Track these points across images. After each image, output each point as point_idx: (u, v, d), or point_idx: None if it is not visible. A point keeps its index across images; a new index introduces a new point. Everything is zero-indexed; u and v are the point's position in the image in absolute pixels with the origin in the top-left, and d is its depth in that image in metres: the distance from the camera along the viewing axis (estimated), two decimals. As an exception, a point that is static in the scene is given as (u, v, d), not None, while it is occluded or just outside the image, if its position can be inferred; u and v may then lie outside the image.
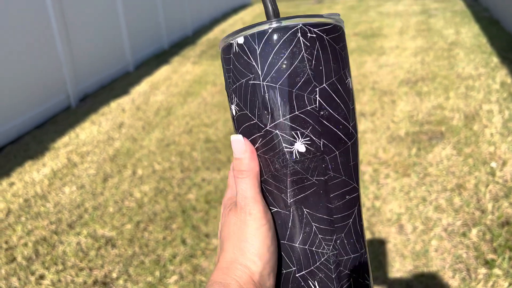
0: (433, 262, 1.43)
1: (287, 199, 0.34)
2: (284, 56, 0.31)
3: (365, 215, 1.68)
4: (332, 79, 0.32)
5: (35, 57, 2.87)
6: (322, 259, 0.35)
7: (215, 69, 3.93)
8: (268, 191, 0.35)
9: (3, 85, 2.59)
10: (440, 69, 3.26)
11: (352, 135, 0.34)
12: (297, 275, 0.35)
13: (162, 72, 4.00)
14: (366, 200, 1.76)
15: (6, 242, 1.68)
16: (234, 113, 0.35)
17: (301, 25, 0.31)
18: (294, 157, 0.33)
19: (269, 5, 0.34)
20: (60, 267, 1.54)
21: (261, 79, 0.32)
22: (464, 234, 1.53)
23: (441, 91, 2.83)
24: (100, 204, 1.90)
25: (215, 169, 2.12)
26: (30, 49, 2.81)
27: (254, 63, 0.32)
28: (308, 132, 0.32)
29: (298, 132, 0.32)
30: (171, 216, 1.78)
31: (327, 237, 0.35)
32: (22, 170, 2.25)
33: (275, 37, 0.31)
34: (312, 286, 0.35)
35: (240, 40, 0.33)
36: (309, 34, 0.31)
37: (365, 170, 1.98)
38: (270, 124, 0.33)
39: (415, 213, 1.66)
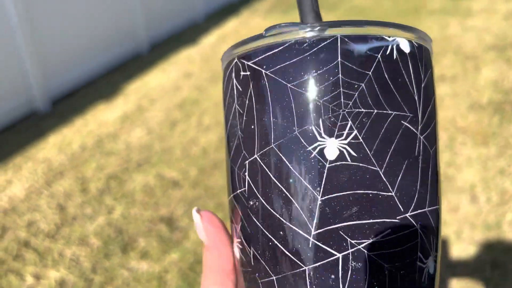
0: (505, 235, 1.34)
1: None
2: (225, 108, 0.22)
3: (435, 181, 1.60)
4: (271, 146, 0.20)
5: (109, 4, 2.95)
6: None
7: (285, 25, 3.85)
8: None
9: (81, 32, 2.70)
10: (533, 36, 2.97)
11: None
12: None
13: (231, 24, 3.98)
14: (437, 167, 1.68)
15: (82, 175, 1.80)
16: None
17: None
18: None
19: None
20: (130, 201, 1.62)
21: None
22: (545, 211, 1.42)
23: (532, 59, 2.58)
24: (167, 148, 1.97)
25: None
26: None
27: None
28: (239, 230, 0.22)
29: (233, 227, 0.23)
30: (235, 165, 1.80)
31: None
32: (96, 111, 2.37)
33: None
34: None
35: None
36: (241, 73, 0.20)
37: (440, 136, 1.87)
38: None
39: (491, 184, 1.56)
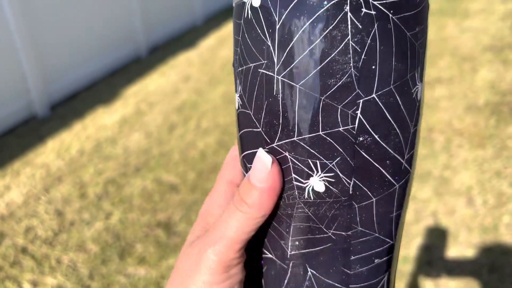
0: (502, 238, 1.34)
1: (287, 249, 0.24)
2: (316, 39, 0.20)
3: (432, 184, 1.60)
4: (390, 87, 0.21)
5: (108, 7, 2.95)
6: None
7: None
8: (264, 229, 0.25)
9: (80, 35, 2.71)
10: (531, 36, 2.96)
11: (404, 172, 0.23)
12: None
13: (230, 27, 3.98)
14: (434, 169, 1.68)
15: (80, 180, 1.80)
16: (236, 107, 0.24)
17: None
18: (307, 196, 0.22)
19: None
20: (127, 206, 1.63)
21: (275, 69, 0.21)
22: (541, 213, 1.42)
23: (530, 60, 2.58)
24: (166, 152, 1.97)
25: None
26: (103, 0, 2.89)
27: (270, 43, 0.21)
28: (333, 165, 0.22)
29: (318, 162, 0.22)
30: (232, 169, 1.81)
31: None
32: (95, 115, 2.38)
33: (307, 7, 0.20)
34: None
35: (256, 1, 0.21)
36: (364, 10, 0.20)
37: (437, 138, 1.88)
38: (278, 141, 0.22)
39: (487, 187, 1.56)
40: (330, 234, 0.23)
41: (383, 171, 0.22)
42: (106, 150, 2.02)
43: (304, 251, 0.24)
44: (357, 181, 0.22)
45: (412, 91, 0.22)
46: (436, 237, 1.37)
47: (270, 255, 0.25)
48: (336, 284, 0.24)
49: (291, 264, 0.24)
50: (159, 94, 2.60)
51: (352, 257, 0.23)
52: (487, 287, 1.23)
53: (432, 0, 4.01)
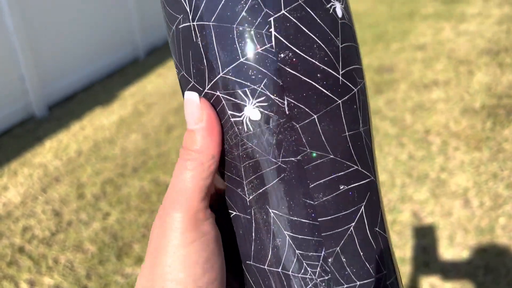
0: (498, 240, 1.35)
1: (245, 196, 0.23)
2: None
3: (429, 186, 1.61)
4: (298, 2, 0.21)
5: (106, 9, 2.96)
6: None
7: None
8: (224, 185, 0.24)
9: (78, 37, 2.71)
10: (527, 40, 2.99)
11: (345, 88, 0.22)
12: None
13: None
14: (431, 172, 1.69)
15: (78, 180, 1.80)
16: (178, 77, 0.25)
17: None
18: (246, 129, 0.22)
19: None
20: (125, 206, 1.63)
21: (189, 18, 0.22)
22: (537, 215, 1.43)
23: (526, 64, 2.60)
24: (163, 153, 1.98)
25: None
26: (101, 2, 2.90)
27: None
28: (262, 88, 0.21)
29: (247, 90, 0.21)
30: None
31: (309, 254, 0.22)
32: (93, 116, 2.38)
33: None
34: None
35: None
36: None
37: (433, 141, 1.89)
38: (208, 83, 0.22)
39: (484, 189, 1.57)
40: (279, 163, 0.22)
41: (316, 85, 0.21)
42: (104, 150, 2.02)
43: (260, 190, 0.22)
44: (291, 100, 0.21)
45: (327, 6, 0.21)
46: (433, 239, 1.38)
47: (234, 213, 0.24)
48: (303, 220, 0.22)
49: (253, 212, 0.23)
50: (157, 95, 2.61)
51: (311, 185, 0.22)
52: (483, 288, 1.23)
53: (429, 4, 4.04)
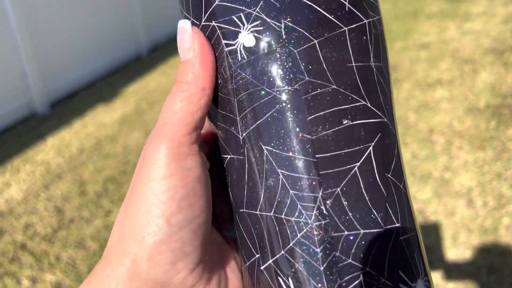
0: (502, 240, 1.34)
1: (239, 133, 0.21)
2: None
3: (432, 185, 1.60)
4: None
5: (109, 6, 2.96)
6: (299, 235, 0.19)
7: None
8: (218, 127, 0.22)
9: (80, 34, 2.71)
10: (532, 40, 2.97)
11: (352, 16, 0.20)
12: (261, 267, 0.21)
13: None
14: (434, 171, 1.68)
15: (80, 177, 1.80)
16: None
17: None
18: (240, 58, 0.20)
19: None
20: (126, 204, 1.63)
21: None
22: (541, 215, 1.42)
23: (531, 63, 2.59)
24: (165, 150, 1.97)
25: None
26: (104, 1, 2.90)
27: None
28: (257, 11, 0.19)
29: (242, 15, 0.20)
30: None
31: (304, 194, 0.19)
32: (95, 113, 2.38)
33: None
34: (285, 287, 0.20)
35: None
36: None
37: (437, 140, 1.88)
38: (205, 15, 0.21)
39: (487, 189, 1.56)
40: (274, 93, 0.20)
41: (318, 8, 0.19)
42: (106, 148, 2.02)
43: (254, 126, 0.20)
44: (288, 22, 0.19)
45: None
46: (436, 238, 1.37)
47: (229, 156, 0.22)
48: (299, 156, 0.19)
49: (246, 151, 0.21)
50: (159, 93, 2.60)
51: (309, 117, 0.19)
52: (487, 288, 1.23)
53: (433, 3, 4.03)
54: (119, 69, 3.03)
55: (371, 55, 0.20)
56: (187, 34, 0.21)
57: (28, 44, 2.31)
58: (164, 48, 3.47)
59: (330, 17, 0.19)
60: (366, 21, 0.20)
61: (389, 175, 0.20)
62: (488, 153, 1.76)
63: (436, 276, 1.26)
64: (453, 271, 1.28)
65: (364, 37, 0.20)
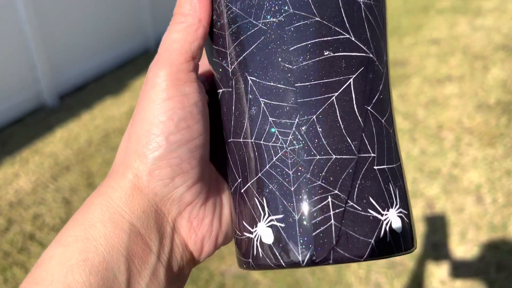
0: (511, 237, 1.33)
1: (228, 66, 0.22)
2: None
3: (440, 182, 1.59)
4: None
5: (119, 1, 2.96)
6: (274, 159, 0.21)
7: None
8: (213, 63, 0.24)
9: (89, 27, 2.72)
10: (544, 36, 2.93)
11: None
12: (242, 190, 0.22)
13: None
14: (442, 167, 1.66)
15: (88, 169, 1.81)
16: None
17: None
18: None
19: None
20: (134, 196, 1.63)
21: None
22: (551, 213, 1.40)
23: (543, 60, 2.55)
24: (173, 144, 1.98)
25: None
26: (117, -10, 2.90)
27: None
28: None
29: None
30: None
31: (282, 121, 0.21)
32: (104, 106, 2.38)
33: None
34: (260, 207, 0.21)
35: None
36: None
37: (446, 136, 1.86)
38: None
39: (497, 186, 1.54)
40: (260, 25, 0.21)
41: None
42: (114, 140, 2.02)
43: (241, 57, 0.21)
44: None
45: None
46: (444, 235, 1.36)
47: (221, 90, 0.23)
48: (279, 85, 0.21)
49: (234, 83, 0.22)
50: (167, 87, 2.61)
51: (291, 48, 0.20)
52: (495, 286, 1.21)
53: (444, -2, 3.98)
54: (127, 63, 3.04)
55: None
56: None
57: (38, 37, 2.32)
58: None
59: None
60: None
61: (368, 108, 0.21)
62: (498, 150, 1.74)
63: (443, 273, 1.25)
64: (461, 267, 1.27)
65: None
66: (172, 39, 0.23)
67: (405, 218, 0.21)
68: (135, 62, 3.04)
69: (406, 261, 1.28)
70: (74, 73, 2.62)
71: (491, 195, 1.50)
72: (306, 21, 0.20)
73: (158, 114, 0.22)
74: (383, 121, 0.22)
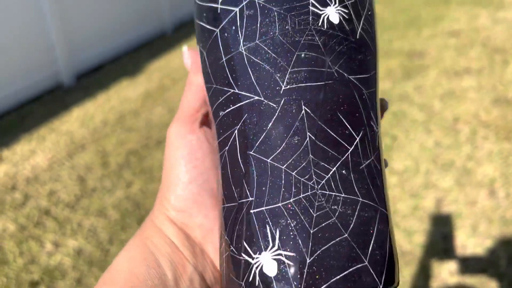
0: (523, 233, 1.32)
1: (281, 82, 0.21)
2: None
3: (453, 174, 1.58)
4: None
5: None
6: (301, 196, 0.20)
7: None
8: (258, 54, 0.22)
9: (107, 9, 2.72)
10: None
11: None
12: (252, 210, 0.21)
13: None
14: (457, 160, 1.65)
15: (103, 149, 1.83)
16: None
17: None
18: (320, 24, 0.21)
19: None
20: (148, 176, 1.65)
21: None
22: None
23: None
24: (187, 127, 1.99)
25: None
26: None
27: None
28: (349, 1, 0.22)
29: None
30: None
31: (326, 161, 0.21)
32: (119, 87, 2.40)
33: None
34: (269, 236, 0.21)
35: None
36: None
37: (461, 129, 1.84)
38: None
39: (511, 180, 1.53)
40: (333, 71, 0.21)
41: None
42: (129, 122, 2.04)
43: (302, 84, 0.21)
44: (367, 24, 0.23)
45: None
46: (455, 227, 1.36)
47: (251, 95, 0.22)
48: (333, 124, 0.21)
49: (281, 101, 0.21)
50: (182, 71, 2.61)
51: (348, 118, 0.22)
52: (504, 279, 1.21)
53: (466, -10, 3.90)
54: (144, 45, 3.05)
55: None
56: (185, 54, 0.28)
57: (56, 17, 2.34)
58: (189, 26, 3.47)
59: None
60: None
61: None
62: (514, 144, 1.72)
63: (452, 264, 1.25)
64: (470, 260, 1.27)
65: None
66: (184, 99, 0.28)
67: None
68: (152, 45, 3.05)
69: (415, 251, 1.29)
70: (91, 54, 2.64)
71: (505, 190, 1.49)
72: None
73: (188, 160, 0.27)
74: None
